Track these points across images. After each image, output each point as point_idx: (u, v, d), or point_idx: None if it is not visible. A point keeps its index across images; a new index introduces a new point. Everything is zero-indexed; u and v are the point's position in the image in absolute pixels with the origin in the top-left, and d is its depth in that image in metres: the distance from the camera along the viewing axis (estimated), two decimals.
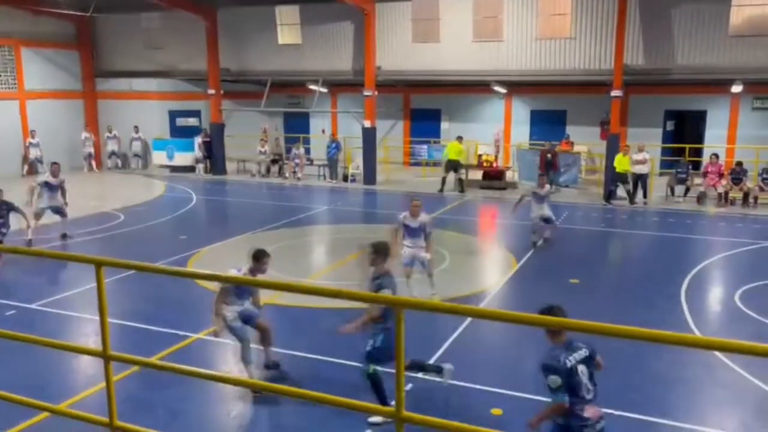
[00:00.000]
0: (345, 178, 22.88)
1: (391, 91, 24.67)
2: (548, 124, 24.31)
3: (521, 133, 24.81)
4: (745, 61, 18.60)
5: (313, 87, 24.27)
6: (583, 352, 4.59)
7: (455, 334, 8.27)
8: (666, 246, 13.97)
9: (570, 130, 23.73)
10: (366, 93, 21.84)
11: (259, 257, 6.83)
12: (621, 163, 18.31)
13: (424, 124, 26.04)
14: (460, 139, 20.74)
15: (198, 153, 24.58)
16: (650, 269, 11.82)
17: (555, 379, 4.43)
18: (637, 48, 19.59)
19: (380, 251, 6.49)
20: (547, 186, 13.24)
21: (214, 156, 24.42)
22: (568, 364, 4.47)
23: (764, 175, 18.16)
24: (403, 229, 9.64)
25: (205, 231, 15.50)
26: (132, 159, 25.86)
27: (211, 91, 24.02)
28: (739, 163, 18.55)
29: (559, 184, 20.78)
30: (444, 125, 26.33)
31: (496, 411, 6.30)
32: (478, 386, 6.87)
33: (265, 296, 8.03)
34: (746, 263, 12.24)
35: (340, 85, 25.98)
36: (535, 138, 24.31)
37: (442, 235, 14.05)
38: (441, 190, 20.18)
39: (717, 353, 7.64)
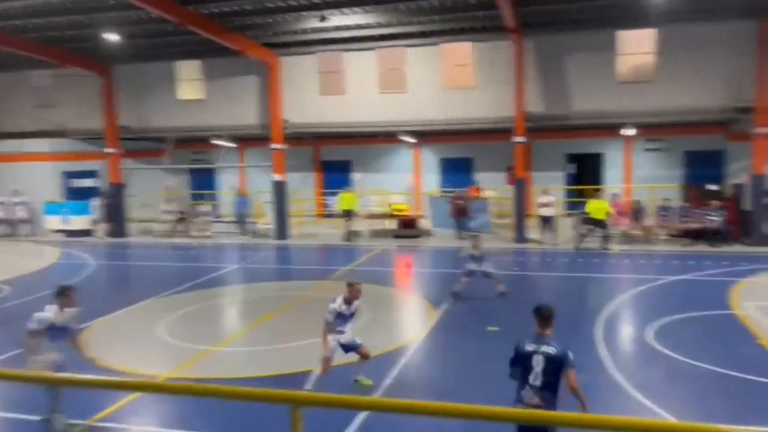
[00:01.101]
0: (255, 234, 22.17)
1: (300, 143, 24.42)
2: (457, 171, 24.78)
3: (432, 181, 25.13)
4: (633, 106, 19.75)
5: (218, 142, 23.64)
6: (549, 349, 5.36)
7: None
8: (577, 286, 14.22)
9: (478, 176, 24.26)
10: (274, 146, 21.46)
11: (352, 284, 7.90)
12: (596, 210, 18.05)
13: (336, 175, 25.90)
14: (351, 190, 20.91)
15: (96, 215, 23.16)
16: (565, 311, 11.76)
17: (513, 355, 5.53)
18: (536, 95, 20.41)
19: None
20: (482, 246, 13.02)
21: (114, 218, 23.07)
22: (527, 349, 5.41)
23: (662, 212, 19.12)
24: (335, 319, 7.98)
25: (104, 299, 14.26)
26: (18, 225, 24.00)
27: (110, 150, 22.88)
28: (637, 202, 19.48)
29: (471, 229, 21.04)
30: (356, 175, 26.29)
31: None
32: None
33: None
34: (652, 300, 12.58)
35: (247, 140, 25.47)
36: (446, 185, 24.66)
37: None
38: (347, 240, 20.35)
39: (641, 399, 7.61)
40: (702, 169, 22.08)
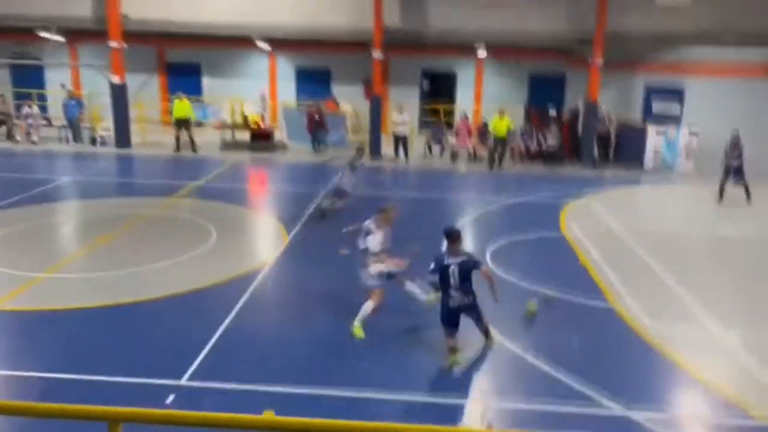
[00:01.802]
0: (93, 141, 20.33)
1: (142, 41, 22.25)
2: (314, 82, 24.17)
3: (287, 92, 24.32)
4: (487, 27, 20.18)
5: (44, 35, 20.87)
6: (460, 259, 6.88)
7: (217, 335, 7.69)
8: (425, 207, 14.74)
9: (335, 88, 23.87)
10: (112, 44, 19.38)
11: (386, 210, 8.00)
12: (496, 126, 18.41)
13: (183, 79, 24.13)
14: (182, 97, 19.70)
15: None
16: (412, 234, 12.29)
17: (432, 265, 6.98)
18: (395, 9, 20.12)
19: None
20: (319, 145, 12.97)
21: None
22: (445, 262, 6.87)
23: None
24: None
25: None
26: None
27: None
28: (485, 123, 20.33)
29: (327, 144, 20.88)
30: (206, 81, 24.73)
31: (268, 412, 5.92)
32: (247, 387, 6.43)
33: None
34: (493, 221, 13.40)
35: (79, 33, 22.72)
36: (302, 96, 24.01)
37: (207, 207, 13.18)
38: (177, 150, 19.34)
39: None
40: (545, 93, 23.40)
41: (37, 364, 6.68)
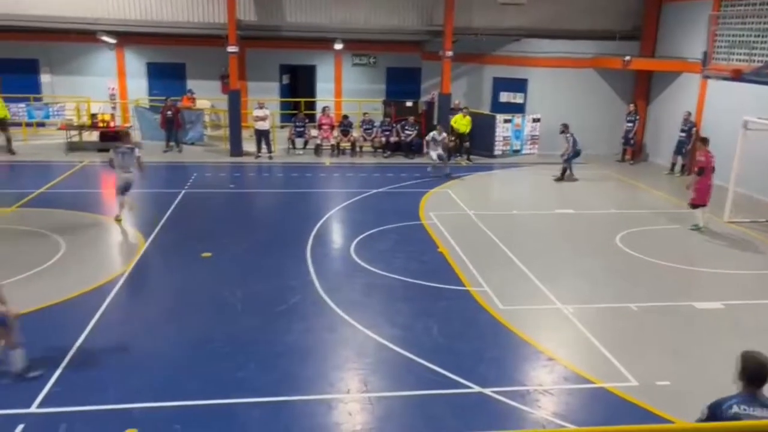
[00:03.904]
0: None
1: None
2: (168, 77, 23.12)
3: (139, 88, 23.08)
4: (342, 21, 20.45)
5: None
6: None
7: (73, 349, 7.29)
8: (292, 203, 14.76)
9: (191, 84, 23.03)
10: None
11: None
12: (459, 123, 19.21)
13: (17, 76, 22.06)
14: None
15: None
16: (279, 231, 12.33)
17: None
18: (249, 4, 19.80)
19: None
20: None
21: None
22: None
23: (365, 126, 20.55)
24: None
25: None
26: None
27: None
28: (345, 116, 20.63)
29: (184, 142, 20.14)
30: (45, 78, 22.81)
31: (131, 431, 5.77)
32: (106, 407, 6.18)
33: None
34: (356, 214, 13.69)
35: None
36: (155, 93, 22.90)
37: (52, 216, 12.30)
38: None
39: (342, 313, 8.42)
40: (402, 85, 24.09)
41: None
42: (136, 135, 20.37)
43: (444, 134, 17.44)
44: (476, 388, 6.66)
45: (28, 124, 20.88)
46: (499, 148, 20.34)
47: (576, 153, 17.18)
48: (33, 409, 6.01)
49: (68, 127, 19.38)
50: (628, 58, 19.00)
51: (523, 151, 20.59)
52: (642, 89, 20.41)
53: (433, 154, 17.22)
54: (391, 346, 7.59)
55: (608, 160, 19.73)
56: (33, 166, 17.05)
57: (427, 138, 17.54)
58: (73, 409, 6.08)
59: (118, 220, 12.09)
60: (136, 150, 12.16)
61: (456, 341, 7.82)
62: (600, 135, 19.98)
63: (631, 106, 19.75)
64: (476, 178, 17.66)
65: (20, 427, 5.72)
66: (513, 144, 20.57)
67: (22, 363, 6.46)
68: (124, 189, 12.03)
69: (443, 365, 7.07)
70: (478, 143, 19.90)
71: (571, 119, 17.66)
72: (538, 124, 20.52)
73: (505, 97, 21.61)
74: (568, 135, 16.91)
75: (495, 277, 9.85)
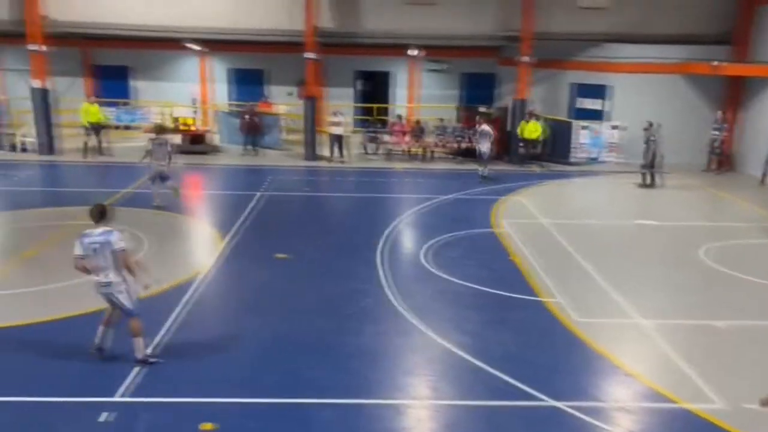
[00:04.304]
0: (13, 148, 19.51)
1: (66, 43, 21.44)
2: (247, 83, 23.91)
3: (221, 93, 23.96)
4: (418, 27, 20.49)
5: None
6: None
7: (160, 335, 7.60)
8: (363, 207, 14.92)
9: (270, 89, 23.69)
10: (31, 48, 18.62)
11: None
12: (525, 129, 19.04)
13: (111, 82, 23.41)
14: (92, 101, 19.67)
15: None
16: (350, 234, 12.48)
17: None
18: (327, 11, 20.19)
19: None
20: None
21: None
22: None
23: (438, 132, 20.51)
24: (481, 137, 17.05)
25: None
26: None
27: None
28: (418, 122, 20.67)
29: (262, 146, 20.72)
30: (133, 83, 24.05)
31: (206, 426, 5.93)
32: (184, 400, 6.40)
33: None
34: (427, 220, 13.67)
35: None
36: (235, 98, 23.70)
37: (137, 215, 12.91)
38: (85, 156, 19.11)
39: (411, 319, 8.39)
40: (477, 91, 23.94)
41: None
42: (215, 138, 21.17)
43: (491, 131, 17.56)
44: (549, 401, 6.46)
45: (116, 127, 22.06)
46: (576, 155, 19.80)
47: (654, 157, 16.48)
48: (116, 398, 6.30)
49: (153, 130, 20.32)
50: (716, 63, 18.08)
51: (602, 159, 19.96)
52: (733, 96, 19.37)
53: (482, 148, 17.26)
54: (461, 353, 7.50)
55: (693, 170, 18.84)
56: (120, 167, 17.94)
57: (479, 129, 17.49)
58: (153, 400, 6.32)
59: (159, 207, 13.07)
60: (169, 144, 13.49)
61: (528, 351, 7.64)
62: (684, 143, 19.08)
63: (720, 114, 18.79)
64: (551, 185, 17.27)
65: (104, 415, 6.00)
66: (591, 151, 19.96)
67: (143, 350, 6.88)
68: (158, 178, 13.27)
69: (514, 375, 6.91)
70: (553, 150, 19.46)
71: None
72: (619, 131, 19.83)
73: (583, 103, 21.04)
74: (651, 137, 16.19)
75: (570, 288, 9.56)
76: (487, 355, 7.43)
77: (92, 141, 19.24)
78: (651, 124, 16.36)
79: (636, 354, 7.69)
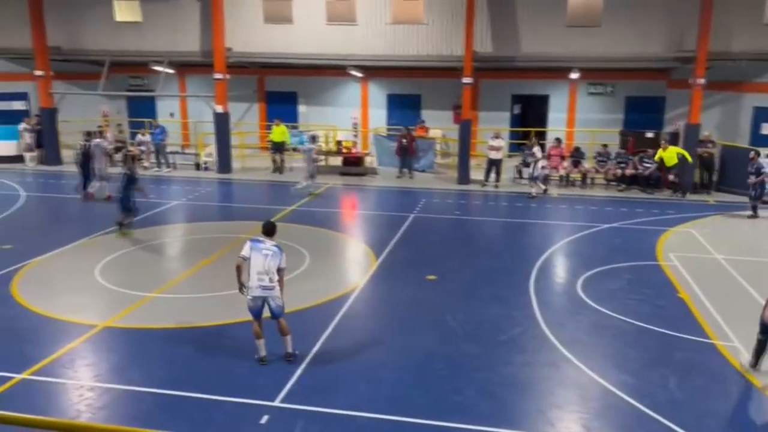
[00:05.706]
0: (197, 167, 21.67)
1: (244, 72, 23.59)
2: (404, 108, 24.55)
3: (378, 118, 24.85)
4: (579, 50, 19.85)
5: (157, 68, 22.54)
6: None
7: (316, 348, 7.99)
8: (516, 232, 14.63)
9: (425, 114, 24.14)
10: (216, 76, 20.66)
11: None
12: (663, 155, 17.89)
13: (281, 107, 25.22)
14: (279, 123, 21.37)
15: (25, 141, 22.02)
16: (502, 259, 12.28)
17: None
18: (485, 36, 20.23)
19: None
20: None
21: (44, 144, 22.01)
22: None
23: (599, 158, 19.60)
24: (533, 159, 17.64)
25: (36, 237, 13.76)
26: None
27: (39, 73, 21.52)
28: (577, 148, 19.93)
29: (416, 169, 21.12)
30: (301, 108, 25.71)
31: None
32: (336, 411, 6.64)
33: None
34: (585, 249, 13.07)
35: (188, 66, 24.41)
36: (392, 122, 24.46)
37: (300, 231, 13.70)
38: (275, 171, 21.17)
39: (564, 351, 8.05)
40: (642, 115, 22.54)
41: (146, 380, 7.22)
42: (372, 161, 21.95)
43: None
44: None
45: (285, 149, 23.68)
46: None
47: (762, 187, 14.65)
48: (277, 402, 6.69)
49: (318, 152, 21.56)
50: None
51: None
52: None
53: (536, 171, 17.82)
54: (620, 393, 7.04)
55: None
56: (287, 186, 19.18)
57: (528, 151, 18.06)
58: (308, 408, 6.63)
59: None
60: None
61: (698, 399, 6.99)
62: None
63: None
64: (727, 218, 15.77)
65: (265, 417, 6.40)
66: None
67: (292, 345, 7.62)
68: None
69: (682, 425, 6.35)
70: (730, 179, 17.79)
71: None
72: None
73: None
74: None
75: (747, 332, 8.59)
76: (649, 397, 6.91)
77: (279, 160, 21.06)
78: (758, 153, 14.55)
79: None
